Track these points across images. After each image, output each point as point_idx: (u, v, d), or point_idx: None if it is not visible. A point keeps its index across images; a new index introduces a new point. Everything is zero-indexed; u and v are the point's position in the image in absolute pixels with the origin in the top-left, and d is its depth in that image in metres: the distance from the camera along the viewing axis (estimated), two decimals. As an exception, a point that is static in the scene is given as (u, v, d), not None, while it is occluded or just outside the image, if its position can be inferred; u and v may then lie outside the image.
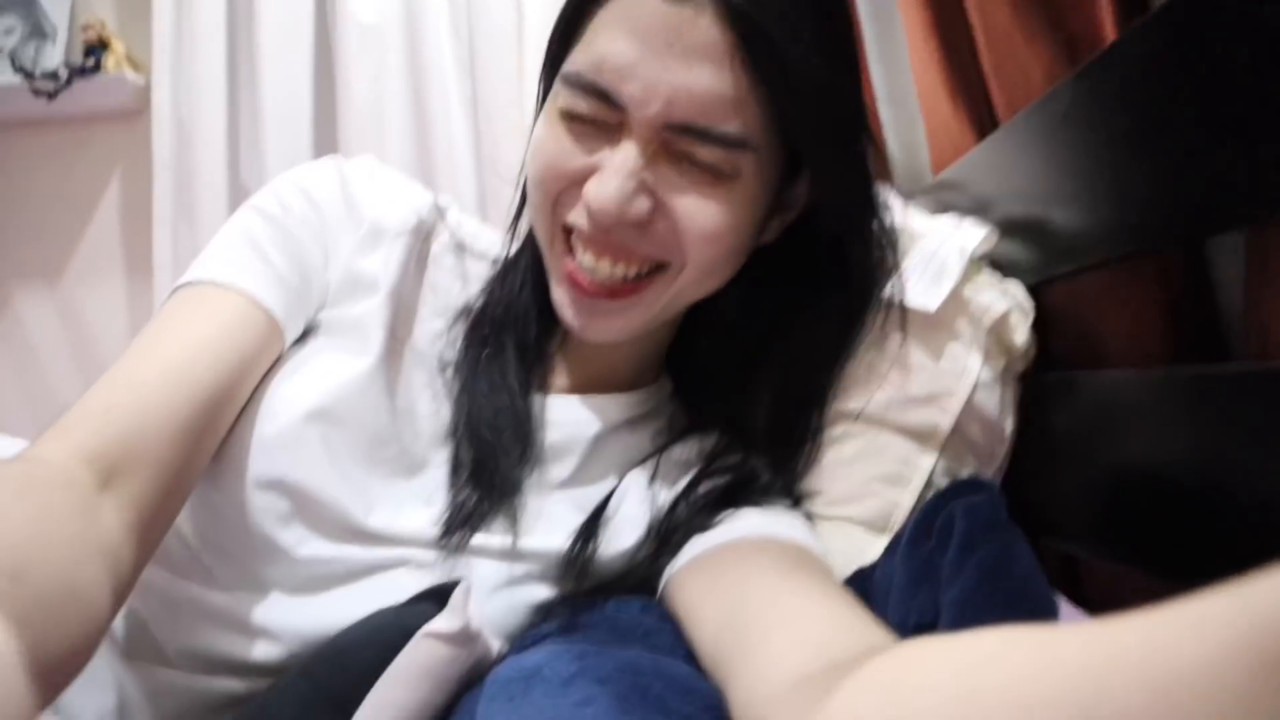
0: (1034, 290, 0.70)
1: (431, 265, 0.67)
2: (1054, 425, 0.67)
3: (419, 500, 0.62)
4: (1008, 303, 0.67)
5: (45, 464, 0.44)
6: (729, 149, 0.55)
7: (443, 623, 0.53)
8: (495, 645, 0.57)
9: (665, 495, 0.63)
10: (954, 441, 0.65)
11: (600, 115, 0.56)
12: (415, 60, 1.69)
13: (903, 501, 0.64)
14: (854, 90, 0.61)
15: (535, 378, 0.66)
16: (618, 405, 0.67)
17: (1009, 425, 0.67)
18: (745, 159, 0.56)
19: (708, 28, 0.52)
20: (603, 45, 0.55)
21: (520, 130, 1.69)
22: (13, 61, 1.69)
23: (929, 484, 0.65)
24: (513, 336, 0.66)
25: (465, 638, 0.53)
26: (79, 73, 1.68)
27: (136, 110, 1.81)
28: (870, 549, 0.64)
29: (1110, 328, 0.65)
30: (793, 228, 0.63)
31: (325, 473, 0.58)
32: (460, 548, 0.59)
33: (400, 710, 0.52)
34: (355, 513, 0.59)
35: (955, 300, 0.66)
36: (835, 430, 0.67)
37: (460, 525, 0.59)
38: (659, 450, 0.65)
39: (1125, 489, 0.57)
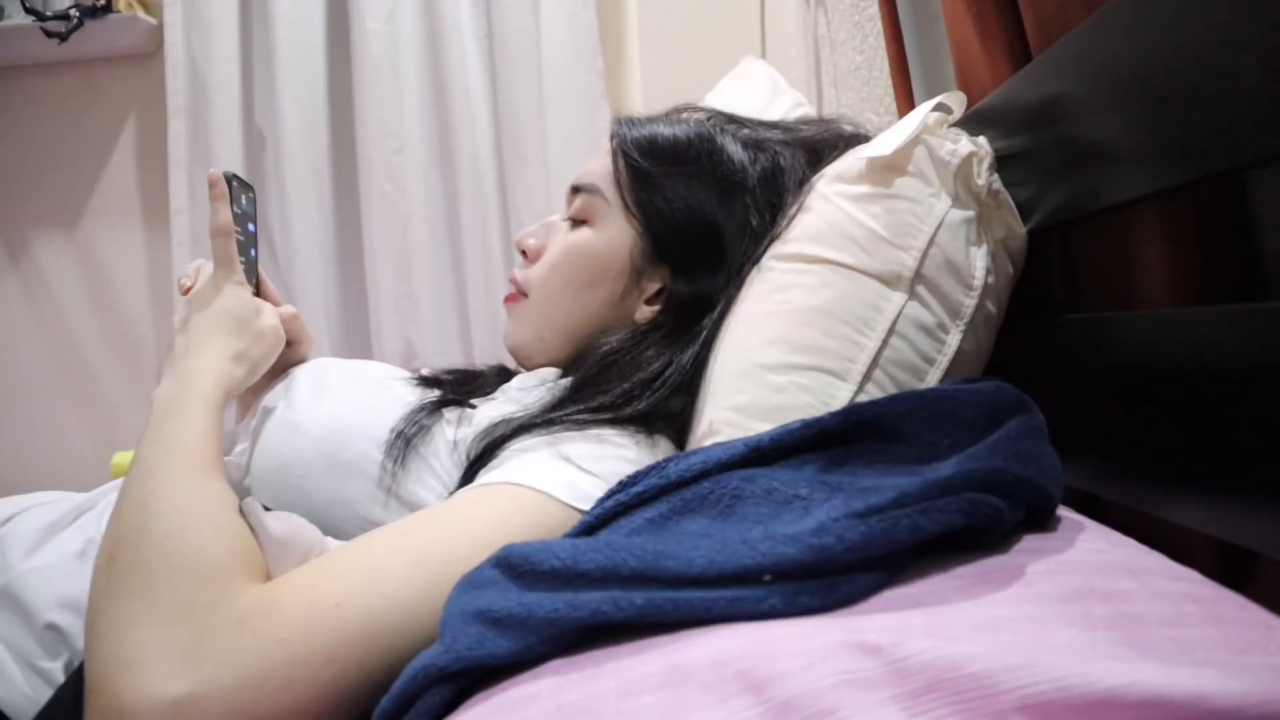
0: (1066, 229, 0.68)
1: None
2: (1084, 368, 0.66)
3: None
4: (971, 146, 0.67)
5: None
6: (586, 194, 0.83)
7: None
8: None
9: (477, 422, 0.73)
10: (919, 286, 0.65)
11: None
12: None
13: (867, 345, 0.64)
14: (700, 207, 0.79)
15: None
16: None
17: (979, 276, 0.66)
18: (597, 204, 0.81)
19: (610, 148, 0.83)
20: None
21: (535, 69, 1.66)
22: (24, 2, 1.67)
23: (893, 330, 0.65)
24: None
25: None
26: (90, 13, 1.66)
27: (149, 52, 1.80)
28: (838, 396, 0.64)
29: (1144, 267, 0.63)
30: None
31: None
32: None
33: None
34: None
35: (919, 147, 0.67)
36: (804, 278, 0.67)
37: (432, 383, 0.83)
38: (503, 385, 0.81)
39: (1157, 432, 0.56)
